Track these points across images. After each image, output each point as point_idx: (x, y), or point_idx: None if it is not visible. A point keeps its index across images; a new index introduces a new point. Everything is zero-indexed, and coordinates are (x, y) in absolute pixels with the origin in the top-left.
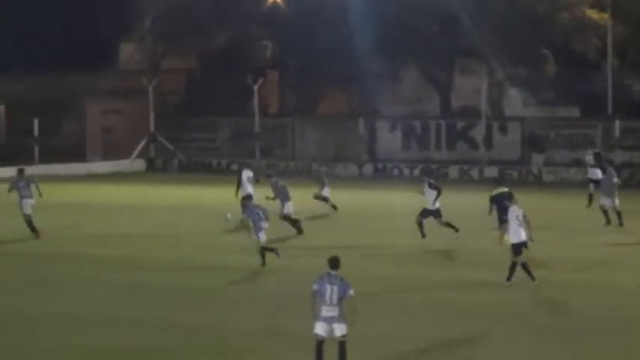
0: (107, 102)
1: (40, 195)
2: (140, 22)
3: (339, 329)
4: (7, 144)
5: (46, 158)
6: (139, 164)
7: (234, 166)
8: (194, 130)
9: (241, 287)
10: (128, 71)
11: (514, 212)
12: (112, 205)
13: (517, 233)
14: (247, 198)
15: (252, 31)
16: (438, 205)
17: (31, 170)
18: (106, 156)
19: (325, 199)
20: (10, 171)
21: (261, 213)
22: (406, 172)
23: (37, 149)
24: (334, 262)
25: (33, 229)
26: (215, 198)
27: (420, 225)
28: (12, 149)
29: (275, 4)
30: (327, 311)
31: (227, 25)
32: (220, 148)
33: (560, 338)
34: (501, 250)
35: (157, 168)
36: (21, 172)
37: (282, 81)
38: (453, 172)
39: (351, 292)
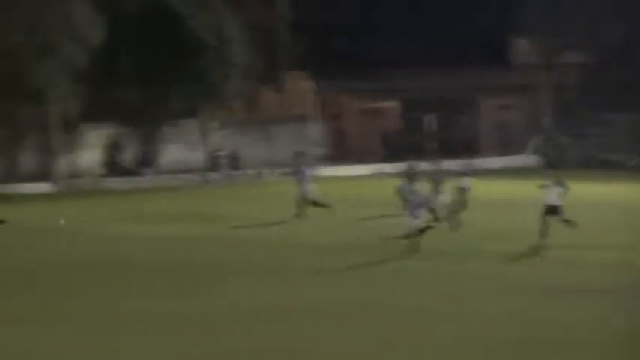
0: (501, 97)
1: None
2: (533, 16)
3: None
4: (402, 139)
5: (440, 154)
6: (534, 160)
7: (632, 163)
8: (589, 125)
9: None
10: (522, 66)
11: None
12: (507, 201)
13: None
14: (299, 154)
15: None
16: None
17: (422, 166)
18: (501, 151)
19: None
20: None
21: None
22: None
23: (430, 145)
24: None
25: (320, 205)
26: (612, 194)
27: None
28: (407, 145)
29: None
30: None
31: (623, 17)
32: (617, 144)
33: None
34: None
35: (553, 164)
36: (300, 155)
37: None
38: None
39: None
